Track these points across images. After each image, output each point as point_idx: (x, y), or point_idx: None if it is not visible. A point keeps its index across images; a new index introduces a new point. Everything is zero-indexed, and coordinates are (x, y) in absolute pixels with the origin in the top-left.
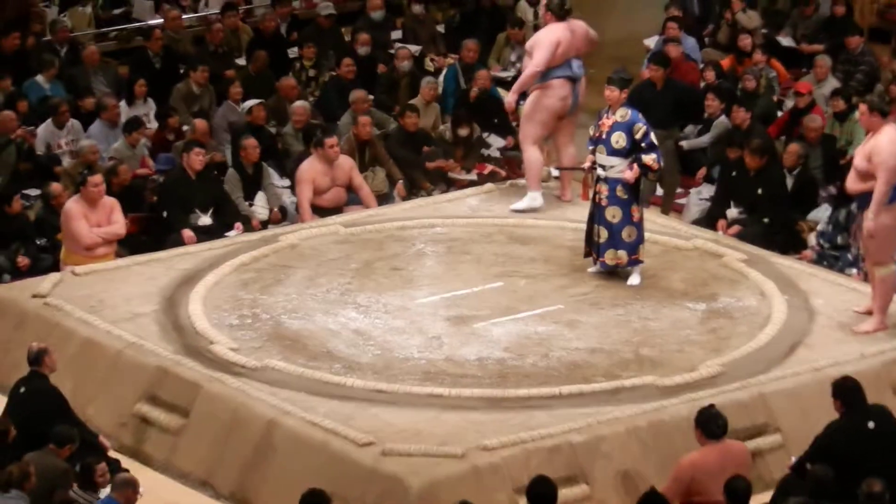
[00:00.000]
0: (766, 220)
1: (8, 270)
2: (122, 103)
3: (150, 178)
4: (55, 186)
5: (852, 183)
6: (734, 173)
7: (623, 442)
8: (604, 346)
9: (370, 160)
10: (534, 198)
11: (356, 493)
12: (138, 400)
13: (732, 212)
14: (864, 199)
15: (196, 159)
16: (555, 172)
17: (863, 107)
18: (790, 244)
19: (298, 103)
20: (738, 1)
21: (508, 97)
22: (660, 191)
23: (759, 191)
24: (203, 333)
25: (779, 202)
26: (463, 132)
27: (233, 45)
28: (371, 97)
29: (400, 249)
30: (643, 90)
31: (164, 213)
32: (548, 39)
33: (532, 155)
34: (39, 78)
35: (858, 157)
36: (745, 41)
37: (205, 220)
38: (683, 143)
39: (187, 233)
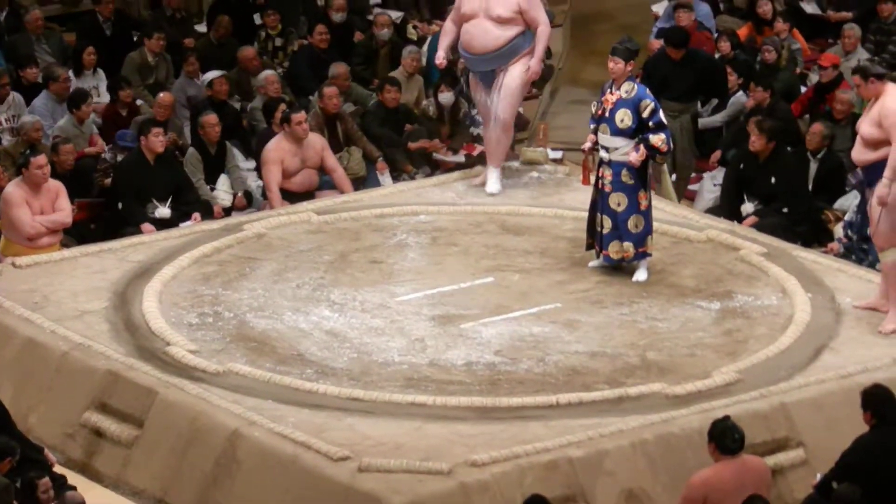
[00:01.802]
0: (784, 210)
1: None
2: (69, 73)
3: (101, 157)
4: None
5: (860, 153)
6: (742, 165)
7: (628, 457)
8: (606, 350)
9: (344, 139)
10: (498, 177)
11: None
12: (87, 408)
13: (748, 206)
14: (875, 170)
15: (155, 141)
16: (553, 154)
17: (857, 78)
18: (814, 236)
19: (268, 72)
20: None
21: (440, 53)
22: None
23: (773, 180)
24: (159, 333)
25: (797, 191)
26: (445, 99)
27: (192, 10)
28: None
29: (379, 240)
30: (659, 62)
31: (120, 205)
32: None
33: (510, 136)
34: None
35: (865, 125)
36: (765, 7)
37: (163, 211)
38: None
39: (147, 227)
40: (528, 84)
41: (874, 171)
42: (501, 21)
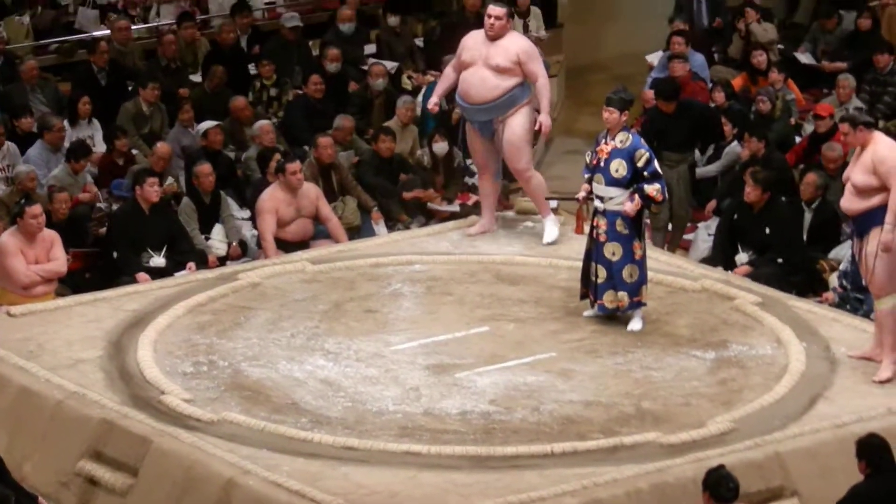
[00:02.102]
0: (779, 260)
1: None
2: (65, 123)
3: (96, 206)
4: None
5: (851, 203)
6: (736, 216)
7: None
8: (601, 399)
9: (339, 188)
10: (555, 222)
11: None
12: (81, 457)
13: (742, 256)
14: (866, 219)
15: (150, 191)
16: (549, 204)
17: (844, 126)
18: (809, 285)
19: (263, 122)
20: (753, 11)
21: (433, 98)
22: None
23: (767, 230)
24: (153, 382)
25: (791, 241)
26: (439, 149)
27: (187, 60)
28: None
29: (374, 289)
30: (654, 116)
31: (115, 254)
32: (536, 49)
33: (540, 178)
34: None
35: (858, 174)
36: (760, 58)
37: (158, 260)
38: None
39: (143, 276)
40: (531, 132)
41: (865, 220)
42: (500, 70)
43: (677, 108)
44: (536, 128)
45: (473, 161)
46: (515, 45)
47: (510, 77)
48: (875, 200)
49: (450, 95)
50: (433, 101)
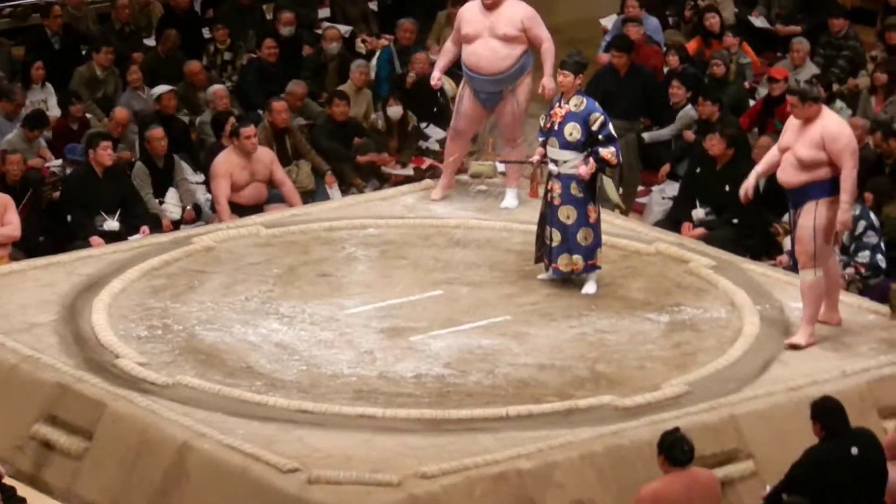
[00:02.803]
0: (734, 221)
1: None
2: (25, 94)
3: (50, 170)
4: None
5: (791, 175)
6: (698, 169)
7: (577, 469)
8: (555, 363)
9: (293, 152)
10: (517, 195)
11: None
12: (36, 420)
13: (699, 212)
14: (803, 193)
15: (104, 154)
16: (501, 167)
17: (792, 98)
18: (763, 248)
19: (217, 86)
20: None
21: (435, 73)
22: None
23: (727, 188)
24: (108, 346)
25: (750, 203)
26: (394, 112)
27: (141, 24)
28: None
29: (328, 253)
30: (604, 77)
31: (69, 218)
32: (538, 15)
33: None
34: None
35: (804, 148)
36: (713, 21)
37: (112, 224)
38: (644, 136)
39: (96, 240)
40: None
41: (802, 193)
42: (508, 39)
43: (628, 72)
44: (540, 91)
45: (456, 124)
46: (519, 11)
47: (518, 45)
48: (817, 174)
49: (403, 57)
50: (436, 76)
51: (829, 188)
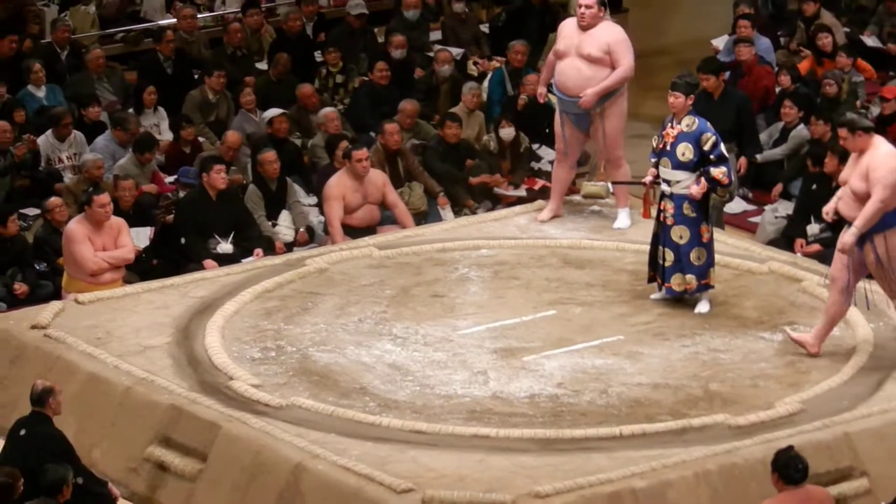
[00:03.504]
0: None
1: (4, 299)
2: (138, 120)
3: (163, 194)
4: (53, 200)
5: (851, 209)
6: (814, 186)
7: (691, 488)
8: (669, 382)
9: (405, 174)
10: (629, 214)
11: None
12: (150, 443)
13: (813, 228)
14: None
15: (217, 178)
16: (612, 188)
17: (843, 131)
18: None
19: (328, 109)
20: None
21: (540, 89)
22: None
23: None
24: (221, 368)
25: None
26: (506, 134)
27: (253, 48)
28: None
29: (441, 274)
30: (697, 100)
31: (182, 241)
32: (628, 40)
33: (628, 168)
34: (30, 86)
35: (856, 180)
36: (825, 40)
37: (225, 246)
38: (758, 156)
39: (210, 263)
40: (624, 121)
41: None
42: (592, 60)
43: (721, 96)
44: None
45: (557, 147)
46: (609, 34)
47: (603, 67)
48: None
49: (515, 79)
50: (541, 91)
51: (892, 219)
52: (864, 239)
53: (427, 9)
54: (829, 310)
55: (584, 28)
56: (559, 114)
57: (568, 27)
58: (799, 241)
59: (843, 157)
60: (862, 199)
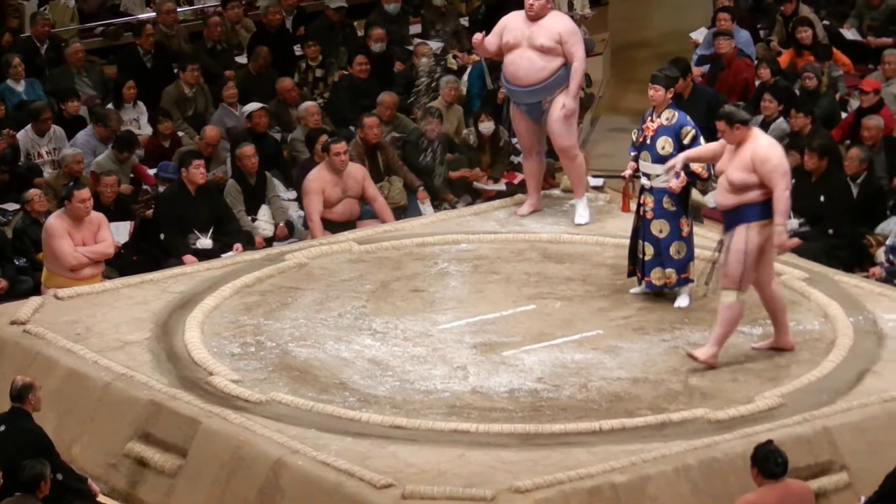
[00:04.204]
0: (830, 231)
1: None
2: (119, 115)
3: (142, 188)
4: (32, 191)
5: (725, 198)
6: (793, 180)
7: (671, 482)
8: (649, 376)
9: (385, 168)
10: (586, 205)
11: None
12: (130, 438)
13: (793, 223)
14: (736, 215)
15: (196, 173)
16: (594, 181)
17: (720, 124)
18: (856, 260)
19: (308, 103)
20: None
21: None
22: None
23: (822, 198)
24: (201, 363)
25: (844, 212)
26: (486, 128)
27: (232, 42)
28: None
29: (420, 269)
30: None
31: (161, 236)
32: (578, 30)
33: (583, 159)
34: (9, 80)
35: (735, 171)
36: (805, 33)
37: (205, 242)
38: None
39: (189, 258)
40: (575, 112)
41: (735, 215)
42: (544, 51)
43: (691, 94)
44: (560, 109)
45: (519, 142)
46: (558, 24)
47: (555, 57)
48: (748, 196)
49: (494, 73)
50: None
51: (761, 212)
52: (732, 226)
53: (407, 2)
54: (770, 307)
55: (534, 19)
56: (511, 106)
57: (514, 19)
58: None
59: (822, 151)
60: (739, 189)
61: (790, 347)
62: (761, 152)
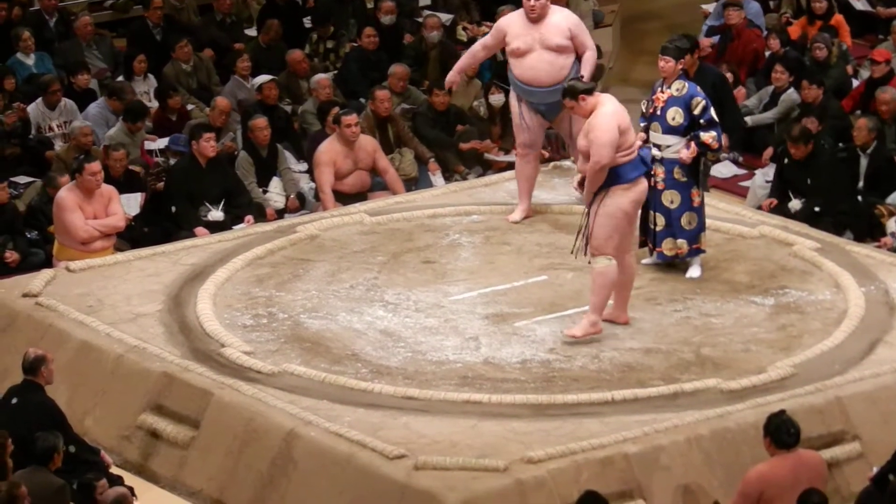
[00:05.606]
0: (816, 209)
1: None
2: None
3: (154, 161)
4: (64, 179)
5: (583, 165)
6: (786, 160)
7: (683, 452)
8: (661, 347)
9: (395, 140)
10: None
11: None
12: (142, 410)
13: (795, 203)
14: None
15: (207, 146)
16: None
17: (568, 102)
18: (867, 230)
19: (321, 75)
20: None
21: (452, 76)
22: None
23: (808, 181)
24: (213, 335)
25: (830, 188)
26: (496, 100)
27: (242, 15)
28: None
29: (432, 240)
30: None
31: (173, 209)
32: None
33: None
34: (19, 54)
35: (580, 137)
36: (820, 3)
37: (216, 214)
38: (748, 119)
39: (201, 230)
40: None
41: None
42: (560, 50)
43: (697, 72)
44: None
45: (519, 141)
46: (564, 19)
47: (569, 54)
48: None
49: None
50: (453, 77)
51: (618, 176)
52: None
53: None
54: (619, 278)
55: (536, 20)
56: (526, 107)
57: (515, 24)
58: (766, 202)
59: (805, 138)
60: (587, 155)
61: (624, 322)
62: (595, 119)
